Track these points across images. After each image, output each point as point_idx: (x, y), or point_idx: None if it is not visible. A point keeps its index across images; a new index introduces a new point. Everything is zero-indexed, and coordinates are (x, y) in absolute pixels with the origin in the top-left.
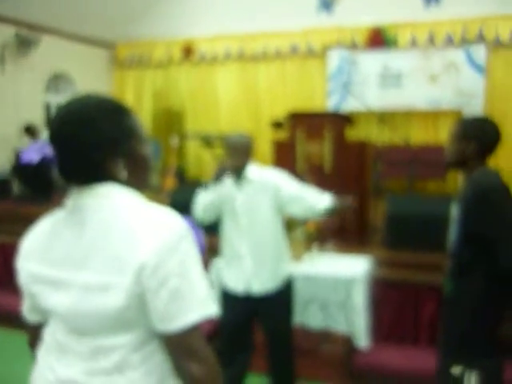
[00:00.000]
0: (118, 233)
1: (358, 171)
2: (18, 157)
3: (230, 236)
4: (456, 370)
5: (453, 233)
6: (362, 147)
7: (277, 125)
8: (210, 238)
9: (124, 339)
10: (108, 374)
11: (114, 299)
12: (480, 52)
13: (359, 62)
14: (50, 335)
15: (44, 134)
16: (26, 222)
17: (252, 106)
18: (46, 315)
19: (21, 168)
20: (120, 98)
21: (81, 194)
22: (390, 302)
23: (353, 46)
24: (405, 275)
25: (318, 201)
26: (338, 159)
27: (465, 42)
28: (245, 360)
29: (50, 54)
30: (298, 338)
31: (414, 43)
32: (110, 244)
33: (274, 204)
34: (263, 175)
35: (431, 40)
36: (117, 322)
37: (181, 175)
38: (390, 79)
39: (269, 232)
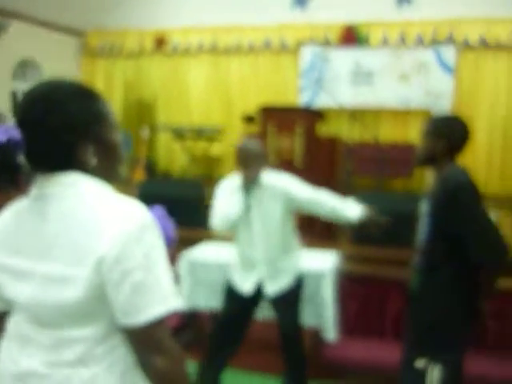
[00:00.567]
0: (80, 223)
1: (328, 167)
2: None
3: (243, 242)
4: (420, 363)
5: (422, 229)
6: (332, 143)
7: (248, 119)
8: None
9: (87, 331)
10: (71, 367)
11: (74, 291)
12: (449, 53)
13: (332, 59)
14: (13, 325)
15: (10, 123)
16: None
17: (224, 100)
18: (9, 304)
19: None
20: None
21: (46, 182)
22: (357, 296)
23: (326, 43)
24: (371, 270)
25: (344, 206)
26: (308, 154)
27: (435, 42)
28: (230, 353)
29: (18, 40)
30: (265, 332)
31: (385, 42)
32: (71, 234)
33: (286, 209)
34: (274, 181)
35: (402, 40)
36: (78, 314)
37: (151, 167)
38: (362, 77)
39: (281, 235)
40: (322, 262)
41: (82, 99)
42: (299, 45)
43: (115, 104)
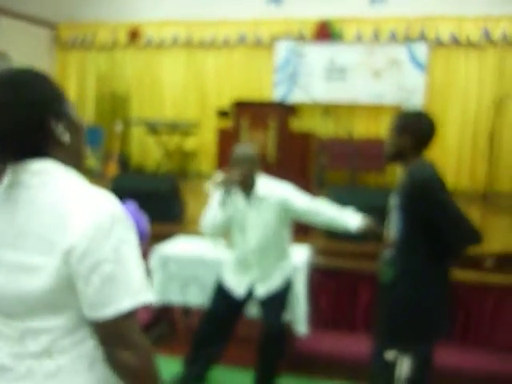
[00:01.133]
0: (50, 212)
1: (301, 162)
2: None
3: (237, 246)
4: (390, 354)
5: (392, 222)
6: (306, 138)
7: (222, 114)
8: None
9: (53, 322)
10: (36, 358)
11: (41, 280)
12: (421, 50)
13: (306, 55)
14: None
15: None
16: None
17: (198, 94)
18: None
19: None
20: (62, 79)
21: (17, 170)
22: (328, 289)
23: (300, 38)
24: (342, 264)
25: (342, 216)
26: (281, 149)
27: (407, 39)
28: (217, 351)
29: None
30: (237, 326)
31: (359, 38)
32: (41, 224)
33: (282, 218)
34: (271, 191)
35: (376, 36)
36: (44, 305)
37: (124, 162)
38: (336, 72)
39: (275, 243)
40: (295, 256)
41: (44, 80)
42: (274, 40)
43: (88, 97)
